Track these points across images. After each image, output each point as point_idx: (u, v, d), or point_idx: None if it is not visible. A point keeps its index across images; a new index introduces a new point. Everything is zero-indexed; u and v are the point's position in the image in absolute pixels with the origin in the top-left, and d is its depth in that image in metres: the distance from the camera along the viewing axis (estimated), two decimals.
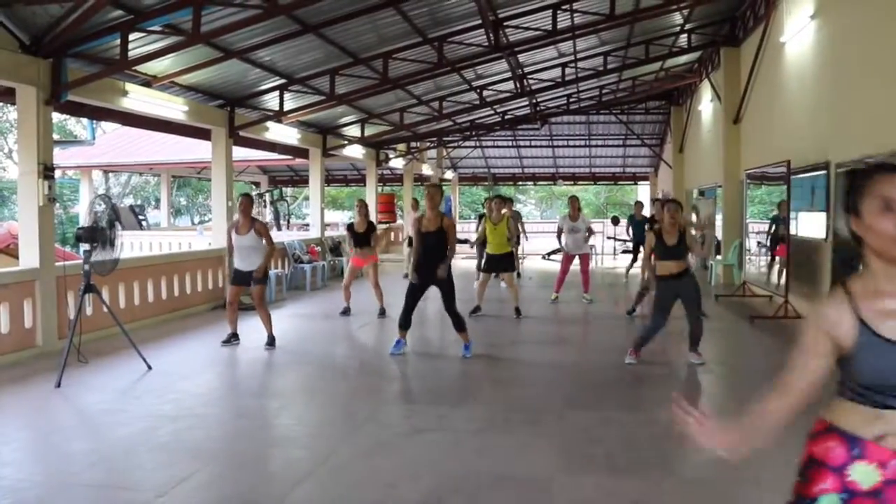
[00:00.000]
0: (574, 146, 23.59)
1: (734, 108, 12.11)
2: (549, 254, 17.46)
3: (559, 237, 9.70)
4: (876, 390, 1.54)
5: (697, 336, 5.84)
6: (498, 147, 24.18)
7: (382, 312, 8.44)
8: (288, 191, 25.77)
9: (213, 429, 4.29)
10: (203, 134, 10.76)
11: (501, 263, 8.52)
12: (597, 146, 23.52)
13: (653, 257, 5.81)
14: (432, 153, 22.07)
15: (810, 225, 8.19)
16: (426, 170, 21.02)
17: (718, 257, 12.75)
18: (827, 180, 7.67)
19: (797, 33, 8.96)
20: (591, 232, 9.67)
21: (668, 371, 5.82)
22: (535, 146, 23.87)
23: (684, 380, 5.56)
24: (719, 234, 12.89)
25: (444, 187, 17.23)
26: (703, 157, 15.35)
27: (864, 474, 1.56)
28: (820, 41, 8.21)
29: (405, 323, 6.16)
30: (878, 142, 6.11)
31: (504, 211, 9.02)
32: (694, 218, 12.86)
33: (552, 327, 7.96)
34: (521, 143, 23.81)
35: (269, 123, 11.20)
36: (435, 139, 18.65)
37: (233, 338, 6.82)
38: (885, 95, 6.24)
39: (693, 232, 8.65)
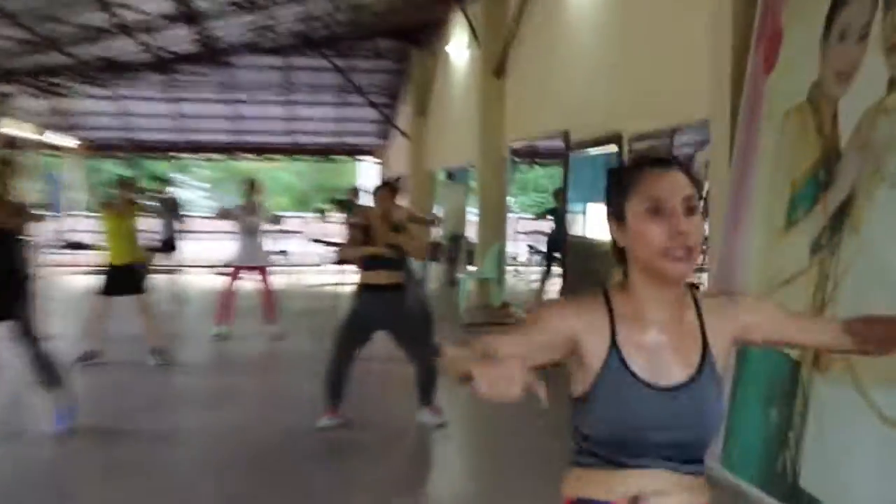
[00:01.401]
0: (266, 104, 23.20)
1: (496, 57, 12.73)
2: (222, 267, 16.86)
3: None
4: (615, 445, 1.78)
5: (428, 384, 6.10)
6: (147, 101, 22.83)
7: None
8: None
9: None
10: None
11: (129, 280, 8.15)
12: (301, 105, 23.42)
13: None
14: (36, 104, 20.03)
15: (598, 221, 8.73)
16: (17, 129, 19.09)
17: (471, 268, 13.21)
18: (619, 159, 8.21)
19: None
20: (275, 222, 10.14)
21: (385, 438, 6.02)
22: (206, 101, 23.00)
23: (409, 453, 5.78)
24: (473, 235, 13.40)
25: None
26: (454, 125, 15.97)
27: None
28: None
29: None
30: (685, 112, 6.72)
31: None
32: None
33: (215, 379, 8.14)
34: (185, 96, 22.76)
35: None
36: (39, 82, 17.16)
37: None
38: (691, 56, 6.78)
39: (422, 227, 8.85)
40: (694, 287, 1.90)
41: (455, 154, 15.26)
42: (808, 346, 2.18)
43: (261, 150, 25.40)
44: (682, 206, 1.75)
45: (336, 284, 12.99)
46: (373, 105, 22.20)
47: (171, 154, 26.09)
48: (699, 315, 1.85)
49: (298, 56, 20.31)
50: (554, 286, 10.24)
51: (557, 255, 10.35)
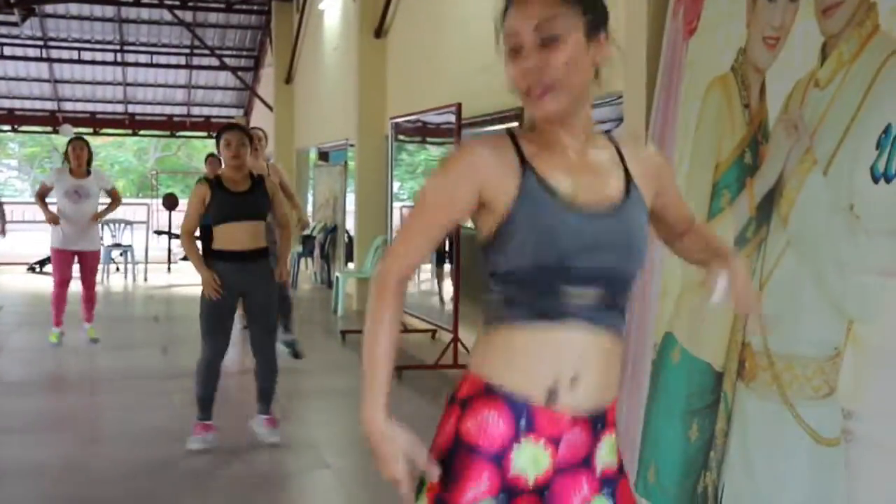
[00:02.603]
0: (94, 64, 22.65)
1: (377, 13, 12.73)
2: (40, 263, 16.57)
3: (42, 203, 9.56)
4: (536, 279, 1.86)
5: (267, 386, 6.28)
6: None
7: None
8: None
9: None
10: None
11: None
12: (138, 66, 22.93)
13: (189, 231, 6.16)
14: None
15: None
16: None
17: (349, 266, 13.22)
18: None
19: None
20: (115, 202, 9.97)
21: (228, 459, 6.12)
22: (17, 59, 22.31)
23: (255, 478, 5.79)
24: (352, 226, 13.39)
25: None
26: (327, 95, 15.90)
27: (530, 460, 1.86)
28: None
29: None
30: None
31: None
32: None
33: (46, 398, 8.11)
34: None
35: None
36: None
37: None
38: None
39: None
40: (608, 132, 2.11)
41: (329, 130, 15.23)
42: (673, 246, 2.40)
43: (89, 123, 24.69)
44: (534, 38, 1.87)
45: (189, 285, 12.84)
46: (227, 68, 21.89)
47: None
48: (619, 153, 2.05)
49: (134, 4, 19.92)
50: (448, 287, 10.32)
51: (449, 251, 10.42)
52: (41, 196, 9.79)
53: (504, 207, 1.88)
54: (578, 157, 1.96)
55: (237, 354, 8.26)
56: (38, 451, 6.40)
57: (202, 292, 6.05)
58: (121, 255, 17.14)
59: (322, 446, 6.49)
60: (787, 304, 3.88)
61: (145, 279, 16.73)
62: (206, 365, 6.09)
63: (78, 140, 9.92)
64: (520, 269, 1.88)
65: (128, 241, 17.07)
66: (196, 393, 6.14)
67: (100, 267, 10.74)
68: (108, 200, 9.94)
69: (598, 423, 1.97)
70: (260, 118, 21.83)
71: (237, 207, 6.06)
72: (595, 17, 1.91)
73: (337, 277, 13.11)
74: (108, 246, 16.74)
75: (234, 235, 6.03)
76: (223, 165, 6.26)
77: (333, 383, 8.23)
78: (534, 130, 1.98)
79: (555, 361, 1.87)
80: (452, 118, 9.34)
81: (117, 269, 17.44)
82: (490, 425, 1.86)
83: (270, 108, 19.78)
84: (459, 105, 9.18)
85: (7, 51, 21.95)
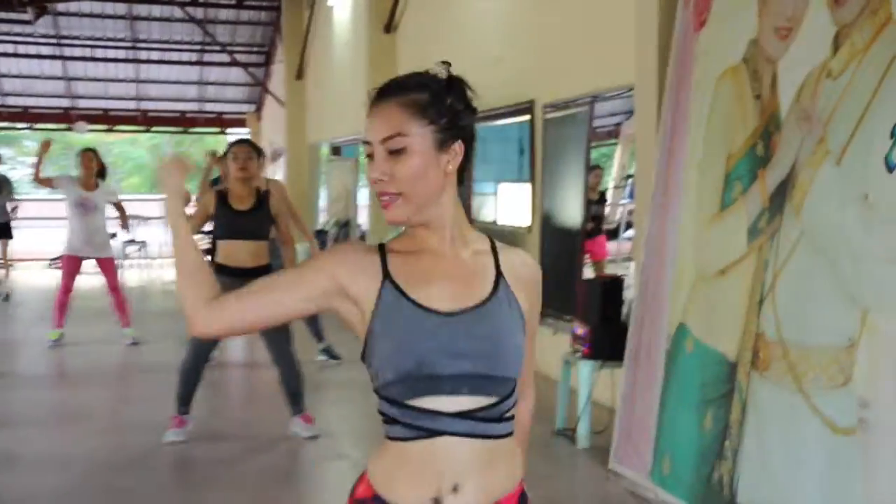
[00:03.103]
0: (107, 61, 22.67)
1: (387, 9, 12.72)
2: (59, 259, 16.59)
3: None
4: (402, 386, 1.85)
5: (294, 389, 6.30)
6: None
7: None
8: None
9: None
10: None
11: None
12: (150, 63, 22.96)
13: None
14: None
15: (510, 204, 8.80)
16: None
17: None
18: (531, 130, 8.31)
19: None
20: (122, 215, 10.11)
21: (248, 450, 6.13)
22: (31, 57, 22.34)
23: (273, 470, 5.84)
24: (364, 220, 13.38)
25: None
26: (339, 90, 15.89)
27: None
28: None
29: None
30: (606, 77, 6.88)
31: None
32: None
33: (67, 390, 8.18)
34: (2, 52, 22.08)
35: None
36: None
37: None
38: (613, 12, 6.91)
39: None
40: (492, 238, 2.05)
41: (341, 124, 15.19)
42: None
43: (103, 119, 24.75)
44: (383, 149, 1.88)
45: None
46: (239, 65, 21.91)
47: None
48: (495, 256, 1.99)
49: (145, 2, 19.91)
50: None
51: None
52: (47, 183, 9.86)
53: (368, 316, 1.90)
54: (444, 260, 1.94)
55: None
56: (59, 442, 6.41)
57: None
58: (136, 250, 17.18)
59: (339, 437, 6.48)
60: (801, 295, 3.88)
61: (160, 274, 16.74)
62: (190, 366, 6.16)
63: (87, 151, 9.94)
64: (387, 382, 1.88)
65: (143, 236, 17.06)
66: (178, 390, 6.19)
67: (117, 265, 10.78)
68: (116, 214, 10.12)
69: None
70: (271, 114, 21.78)
71: (239, 226, 6.21)
72: (443, 129, 1.91)
73: None
74: (124, 242, 16.78)
75: (236, 253, 6.17)
76: (231, 176, 6.35)
77: (349, 375, 8.15)
78: (407, 233, 1.99)
79: (435, 475, 1.87)
80: None
81: (132, 265, 17.46)
82: None
83: (282, 103, 19.73)
84: None
85: (21, 49, 21.96)
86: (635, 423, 4.96)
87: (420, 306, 1.87)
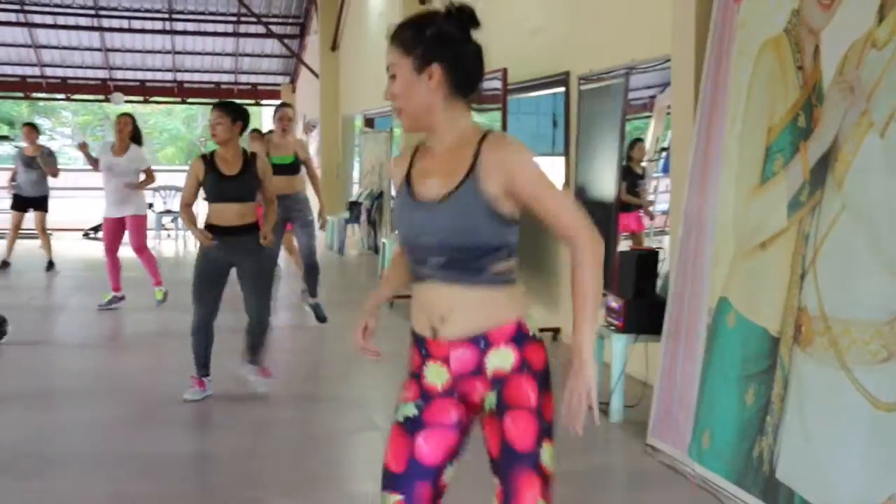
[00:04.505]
0: (144, 32, 22.74)
1: None
2: (94, 229, 16.72)
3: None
4: (406, 250, 2.65)
5: (257, 341, 6.53)
6: None
7: None
8: None
9: None
10: None
11: None
12: (186, 35, 23.00)
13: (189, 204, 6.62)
14: None
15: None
16: None
17: (395, 233, 13.17)
18: (566, 102, 8.23)
19: None
20: (150, 178, 10.25)
21: (281, 420, 6.24)
22: (68, 28, 22.45)
23: (307, 439, 5.89)
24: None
25: None
26: (372, 62, 15.81)
27: (435, 374, 2.60)
28: None
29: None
30: (642, 47, 6.79)
31: None
32: None
33: (104, 358, 8.41)
34: (41, 22, 22.15)
35: None
36: None
37: None
38: None
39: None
40: (488, 133, 2.53)
41: (375, 96, 15.06)
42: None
43: (139, 91, 24.83)
44: (388, 76, 2.56)
45: None
46: (274, 36, 21.89)
47: (30, 92, 25.24)
48: (478, 151, 2.48)
49: None
50: None
51: None
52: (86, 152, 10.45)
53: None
54: (437, 159, 2.55)
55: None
56: (97, 409, 6.43)
57: (195, 263, 6.45)
58: (171, 221, 17.27)
59: (371, 408, 6.50)
60: (843, 269, 3.80)
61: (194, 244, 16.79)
62: (197, 327, 6.42)
63: (122, 115, 10.15)
64: (400, 244, 2.72)
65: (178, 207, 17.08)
66: (192, 351, 6.46)
67: (149, 233, 10.88)
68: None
69: (480, 342, 2.51)
70: (306, 85, 21.77)
71: (226, 190, 6.42)
72: (418, 56, 2.48)
73: (383, 243, 13.06)
74: (159, 213, 16.79)
75: (223, 214, 6.39)
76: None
77: (382, 347, 8.07)
78: (427, 136, 2.61)
79: (429, 308, 2.57)
80: (498, 84, 9.24)
81: (168, 235, 17.56)
82: (412, 355, 2.67)
83: (316, 74, 19.71)
84: (505, 70, 9.09)
85: (60, 20, 22.09)
86: (675, 398, 4.90)
87: (409, 195, 2.58)
